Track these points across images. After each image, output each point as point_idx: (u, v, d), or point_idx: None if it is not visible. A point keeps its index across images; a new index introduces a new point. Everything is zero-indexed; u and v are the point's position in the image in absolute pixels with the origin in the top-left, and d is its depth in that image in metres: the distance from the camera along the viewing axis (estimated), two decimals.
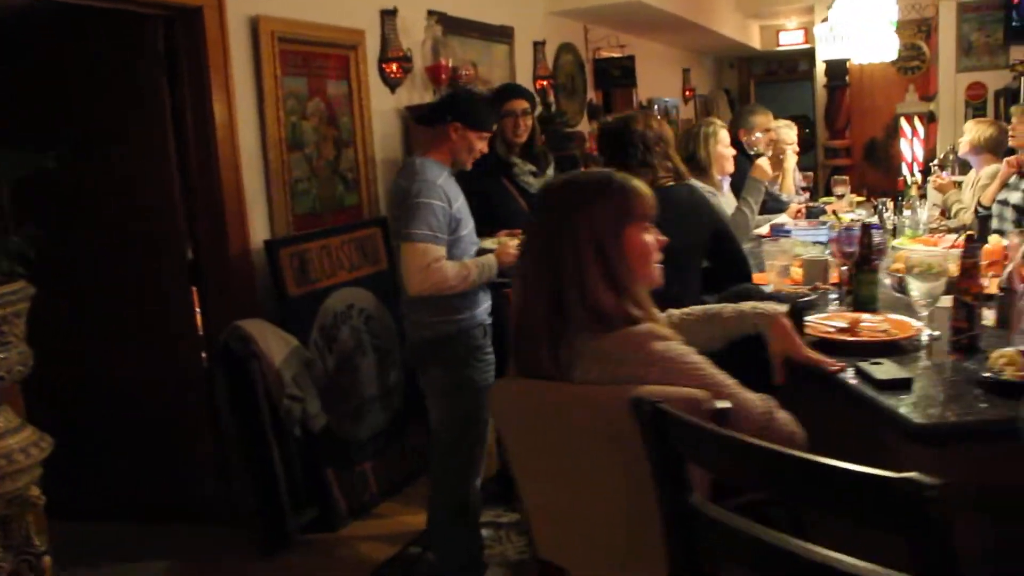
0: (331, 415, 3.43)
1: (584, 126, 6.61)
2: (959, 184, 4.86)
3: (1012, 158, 4.15)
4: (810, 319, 2.22)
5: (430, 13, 4.58)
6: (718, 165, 3.64)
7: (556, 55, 6.31)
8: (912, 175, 6.18)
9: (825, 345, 2.05)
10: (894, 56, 5.27)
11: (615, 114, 3.04)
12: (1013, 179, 4.14)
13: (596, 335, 1.61)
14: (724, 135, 3.66)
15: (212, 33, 3.28)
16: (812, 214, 4.38)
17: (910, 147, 6.54)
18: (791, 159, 4.86)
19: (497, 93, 3.72)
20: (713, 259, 2.79)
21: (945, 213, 4.68)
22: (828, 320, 2.25)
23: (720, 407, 1.54)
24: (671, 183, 2.72)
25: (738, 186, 4.13)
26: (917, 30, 7.47)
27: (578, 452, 1.64)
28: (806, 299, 2.53)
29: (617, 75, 6.60)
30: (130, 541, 3.41)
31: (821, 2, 6.04)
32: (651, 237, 1.71)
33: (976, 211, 4.44)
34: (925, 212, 4.22)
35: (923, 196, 5.36)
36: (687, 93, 9.47)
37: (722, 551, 1.36)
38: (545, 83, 5.90)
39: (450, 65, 4.53)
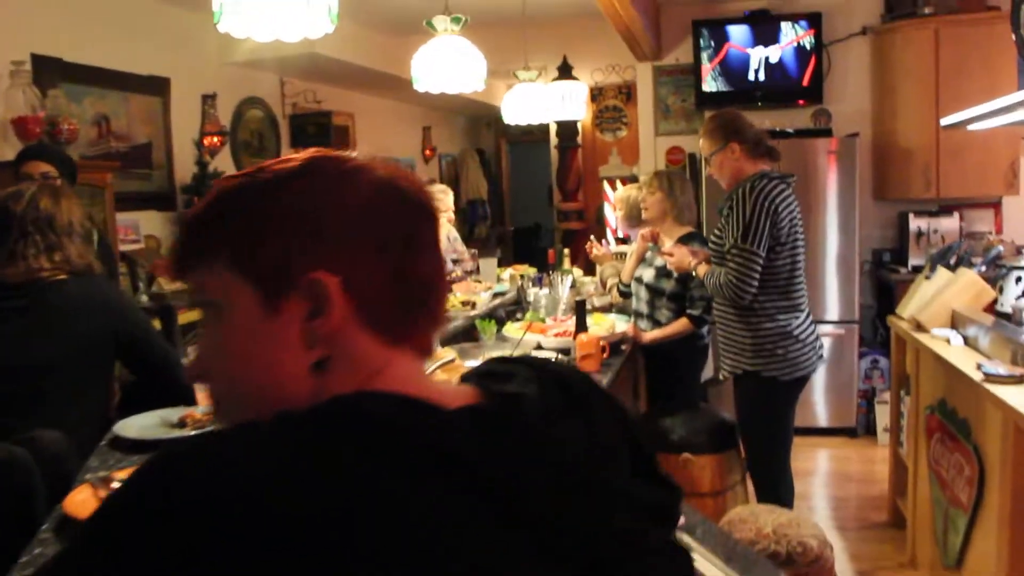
0: None
1: None
2: (622, 255, 4.54)
3: (646, 231, 3.70)
4: None
5: (34, 58, 4.00)
6: None
7: (239, 110, 5.80)
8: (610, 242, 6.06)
9: None
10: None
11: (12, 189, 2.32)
12: (649, 254, 3.78)
13: None
14: None
15: None
16: None
17: (613, 211, 6.43)
18: (444, 227, 4.51)
19: (18, 155, 3.17)
20: (131, 368, 2.31)
21: (606, 285, 4.41)
22: None
23: None
24: (62, 276, 2.20)
25: None
26: (618, 92, 7.50)
27: None
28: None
29: (312, 132, 6.15)
30: None
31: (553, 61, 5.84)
32: None
33: (618, 289, 4.11)
34: (566, 289, 3.94)
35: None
36: (427, 152, 9.17)
37: None
38: (216, 139, 5.37)
39: (43, 117, 3.91)
